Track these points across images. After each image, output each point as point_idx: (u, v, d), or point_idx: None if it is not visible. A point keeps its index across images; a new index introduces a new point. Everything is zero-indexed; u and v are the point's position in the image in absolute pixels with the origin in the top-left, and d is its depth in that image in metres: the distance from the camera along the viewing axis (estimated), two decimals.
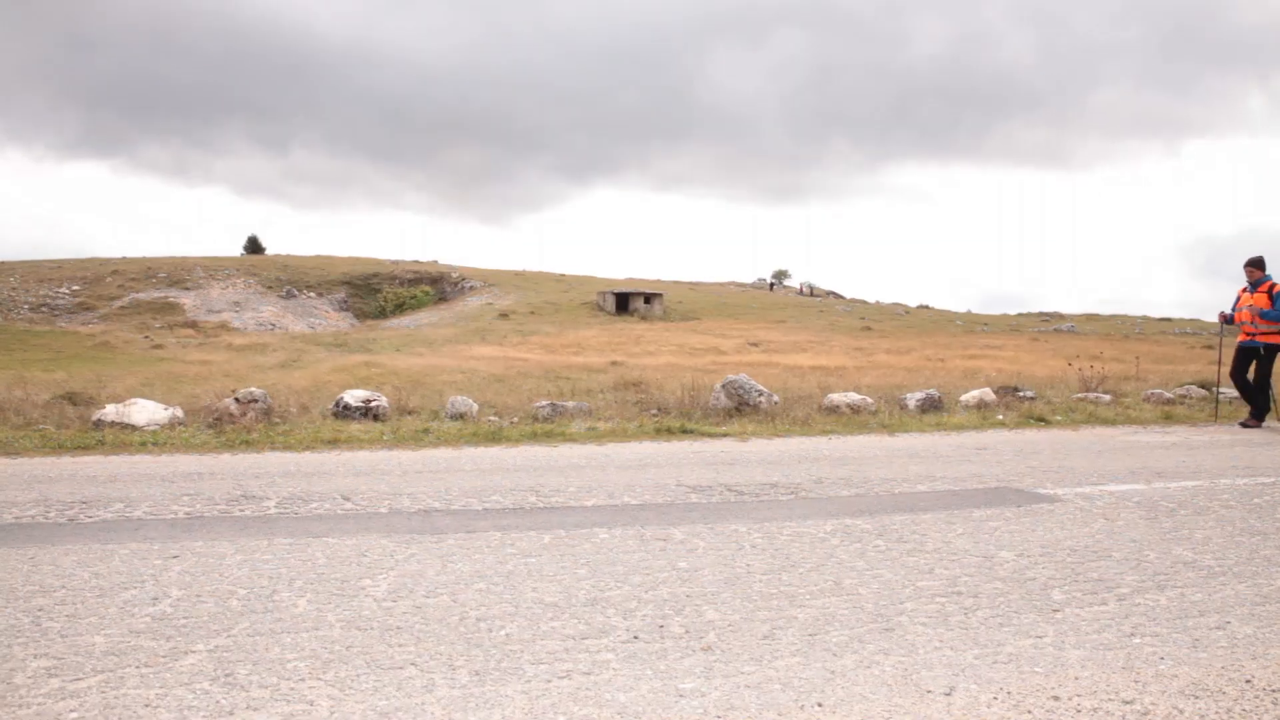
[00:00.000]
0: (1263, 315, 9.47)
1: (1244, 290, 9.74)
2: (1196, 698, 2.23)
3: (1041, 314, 63.57)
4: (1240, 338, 9.73)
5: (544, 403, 9.54)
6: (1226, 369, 9.85)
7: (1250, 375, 9.56)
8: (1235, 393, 10.13)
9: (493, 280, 64.29)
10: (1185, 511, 4.57)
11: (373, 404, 8.86)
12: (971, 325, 54.10)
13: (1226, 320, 10.00)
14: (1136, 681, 2.33)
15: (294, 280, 58.73)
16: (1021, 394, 11.57)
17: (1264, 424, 9.30)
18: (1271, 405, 9.51)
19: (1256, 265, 9.74)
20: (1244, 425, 9.28)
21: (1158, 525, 4.22)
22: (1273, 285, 9.53)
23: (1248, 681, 2.34)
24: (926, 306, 70.60)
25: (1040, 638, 2.65)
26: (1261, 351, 9.51)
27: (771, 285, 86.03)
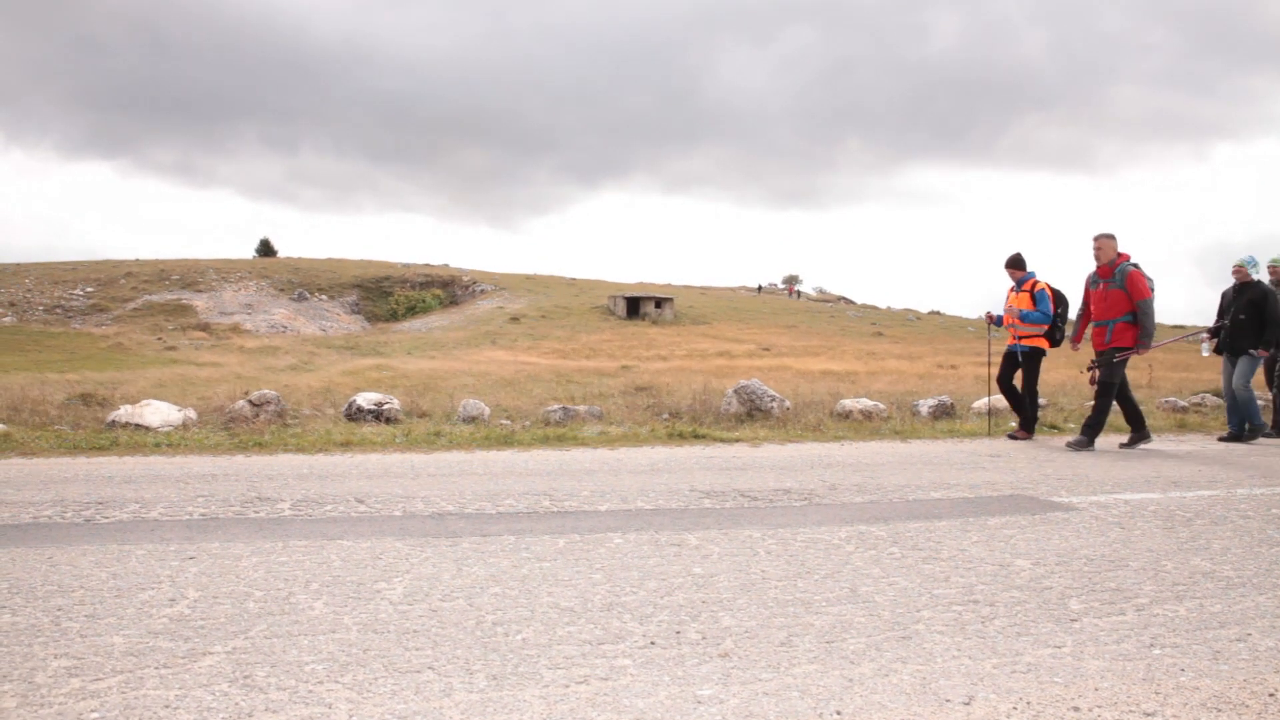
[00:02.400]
0: (1022, 317, 8.83)
1: (1011, 290, 9.10)
2: (1219, 710, 2.22)
3: None
4: (1009, 341, 9.07)
5: (556, 406, 9.55)
6: (996, 372, 9.21)
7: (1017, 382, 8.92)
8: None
9: (504, 284, 64.45)
10: (1202, 521, 4.54)
11: (385, 406, 8.89)
12: (984, 331, 53.94)
13: (994, 321, 9.33)
14: (1158, 693, 2.31)
15: (305, 283, 58.99)
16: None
17: (1033, 436, 8.73)
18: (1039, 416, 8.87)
19: (1016, 265, 9.08)
20: (1011, 437, 8.72)
21: (1175, 535, 4.20)
22: (1035, 284, 8.89)
23: (1271, 695, 2.32)
24: (938, 312, 70.43)
25: (1059, 647, 2.63)
26: (1019, 357, 8.86)
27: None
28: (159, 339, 41.26)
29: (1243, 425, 8.93)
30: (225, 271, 59.37)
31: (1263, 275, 9.41)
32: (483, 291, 62.10)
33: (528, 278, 71.71)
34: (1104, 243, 8.20)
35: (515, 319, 51.24)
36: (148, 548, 3.69)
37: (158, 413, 8.14)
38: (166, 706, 2.14)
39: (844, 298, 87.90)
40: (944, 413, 10.25)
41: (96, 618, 2.78)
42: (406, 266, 67.38)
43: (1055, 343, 8.88)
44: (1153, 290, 8.11)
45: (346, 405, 9.10)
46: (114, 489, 5.09)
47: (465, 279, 64.76)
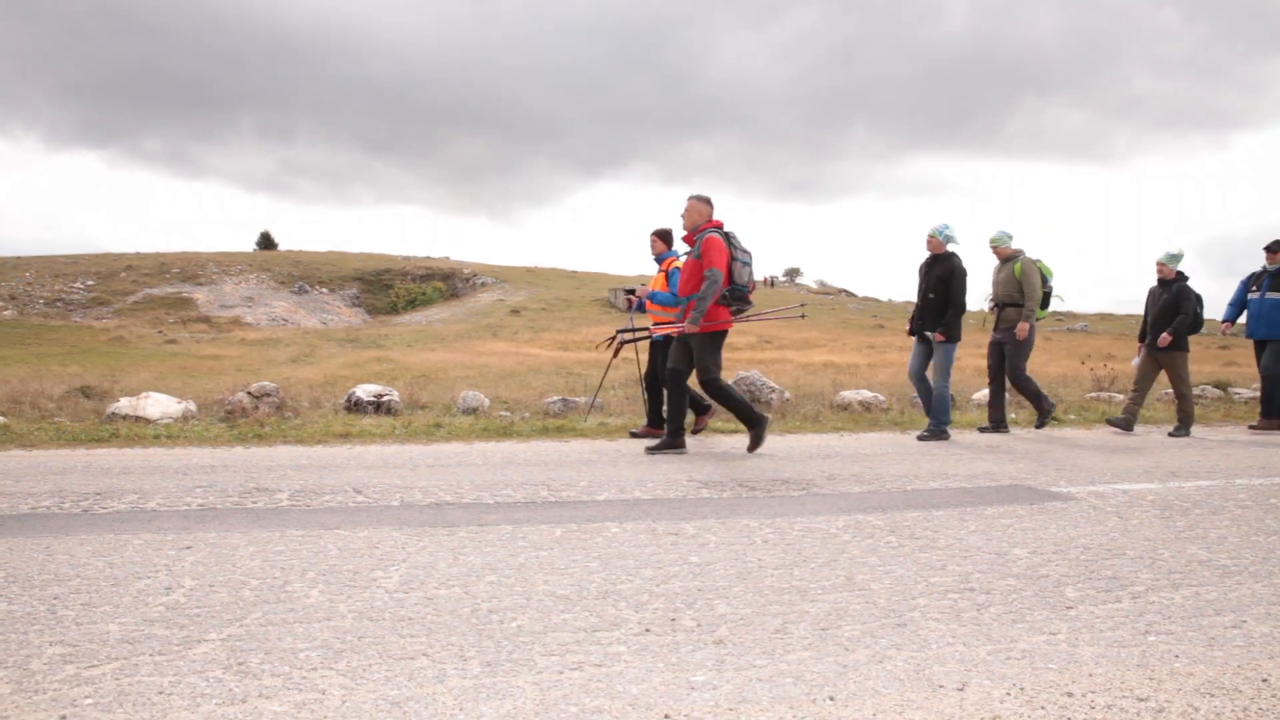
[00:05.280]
0: (651, 298, 7.52)
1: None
2: (1212, 695, 2.22)
3: (1055, 313, 63.26)
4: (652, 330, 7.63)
5: (555, 398, 9.55)
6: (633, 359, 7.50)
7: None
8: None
9: (504, 276, 64.35)
10: (1200, 511, 4.54)
11: (384, 398, 8.89)
12: (985, 323, 53.86)
13: (635, 306, 8.02)
14: (1151, 679, 2.31)
15: (306, 276, 58.91)
16: None
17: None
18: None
19: (662, 238, 7.63)
20: (633, 434, 7.48)
21: (1172, 524, 4.20)
22: (671, 263, 7.51)
23: (1264, 680, 2.32)
24: None
25: (1054, 634, 2.63)
26: (658, 345, 7.50)
27: None
28: (160, 332, 41.22)
29: (943, 421, 7.73)
30: (226, 264, 59.29)
31: (956, 245, 7.99)
32: (483, 284, 62.01)
33: (528, 270, 71.60)
34: (691, 205, 6.71)
35: (516, 311, 51.16)
36: (145, 537, 3.69)
37: (157, 405, 8.14)
38: (160, 693, 2.14)
39: (845, 290, 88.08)
40: None
41: (92, 606, 2.78)
42: (407, 259, 67.27)
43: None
44: (746, 264, 6.66)
45: (346, 397, 9.10)
46: (112, 480, 5.10)
47: (466, 271, 64.64)
